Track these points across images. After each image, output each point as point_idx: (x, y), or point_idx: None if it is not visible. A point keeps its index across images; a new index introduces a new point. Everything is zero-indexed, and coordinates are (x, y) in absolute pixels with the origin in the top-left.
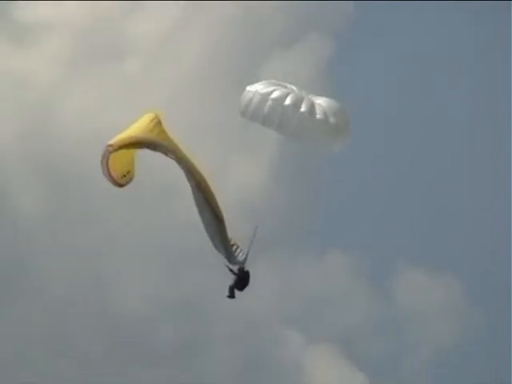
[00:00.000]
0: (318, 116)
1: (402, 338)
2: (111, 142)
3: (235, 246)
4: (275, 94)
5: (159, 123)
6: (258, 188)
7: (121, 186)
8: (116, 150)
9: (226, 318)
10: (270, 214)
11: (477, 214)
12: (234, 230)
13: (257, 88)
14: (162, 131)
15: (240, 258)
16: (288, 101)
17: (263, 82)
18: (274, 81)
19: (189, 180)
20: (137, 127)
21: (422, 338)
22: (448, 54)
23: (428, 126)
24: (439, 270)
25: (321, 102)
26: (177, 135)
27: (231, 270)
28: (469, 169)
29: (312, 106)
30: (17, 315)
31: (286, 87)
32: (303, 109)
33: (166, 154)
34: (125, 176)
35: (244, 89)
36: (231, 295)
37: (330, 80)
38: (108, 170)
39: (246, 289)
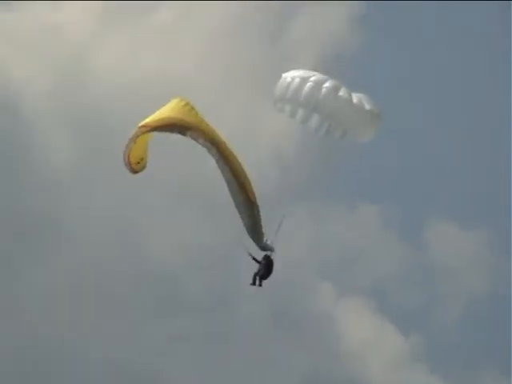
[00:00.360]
0: (355, 101)
1: (433, 290)
2: (144, 123)
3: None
4: (315, 77)
5: (193, 108)
6: (289, 140)
7: (135, 172)
8: (149, 131)
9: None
10: (302, 167)
11: (508, 169)
12: (267, 179)
13: (294, 74)
14: (197, 115)
15: (270, 244)
16: (328, 83)
17: (297, 70)
18: (306, 70)
19: (221, 165)
20: (170, 109)
21: (453, 290)
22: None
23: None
24: (471, 223)
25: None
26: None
27: (254, 258)
28: (497, 128)
29: (349, 93)
30: (51, 263)
31: (321, 74)
32: (342, 93)
33: (197, 141)
34: (139, 163)
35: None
36: (254, 283)
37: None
38: (129, 153)
39: (280, 240)
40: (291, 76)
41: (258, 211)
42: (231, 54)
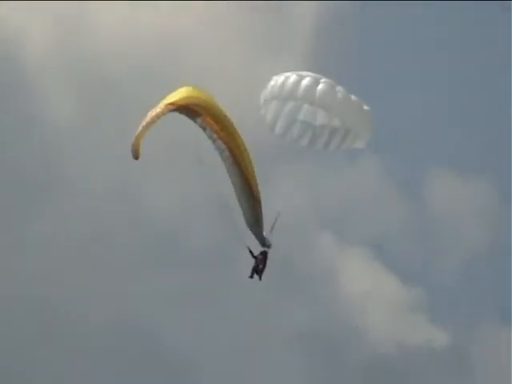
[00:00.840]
0: (353, 97)
1: (434, 242)
2: (171, 101)
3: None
4: (312, 74)
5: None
6: None
7: (136, 157)
8: (175, 110)
9: None
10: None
11: (509, 119)
12: (267, 135)
13: (286, 74)
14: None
15: (269, 241)
16: (324, 80)
17: (287, 72)
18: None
19: (227, 156)
20: (191, 91)
21: (454, 242)
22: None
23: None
24: (472, 174)
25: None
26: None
27: (250, 252)
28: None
29: (345, 91)
30: (51, 213)
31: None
32: (339, 89)
33: (205, 130)
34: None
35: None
36: (253, 276)
37: None
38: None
39: (281, 194)
40: (285, 75)
41: (261, 208)
42: (232, 13)
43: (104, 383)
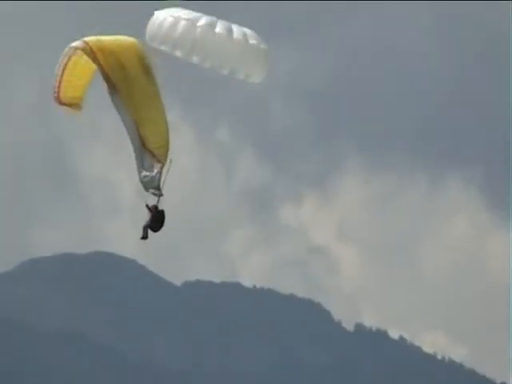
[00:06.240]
0: (235, 36)
1: None
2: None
3: (156, 171)
4: (188, 16)
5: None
6: None
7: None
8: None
9: None
10: None
11: None
12: None
13: (168, 12)
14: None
15: (143, 176)
16: (202, 21)
17: (174, 8)
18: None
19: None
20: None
21: None
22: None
23: None
24: None
25: (237, 26)
26: None
27: (149, 208)
28: None
29: (229, 28)
30: None
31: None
32: (219, 29)
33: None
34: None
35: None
36: (144, 236)
37: None
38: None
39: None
40: (163, 15)
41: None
42: None
43: None
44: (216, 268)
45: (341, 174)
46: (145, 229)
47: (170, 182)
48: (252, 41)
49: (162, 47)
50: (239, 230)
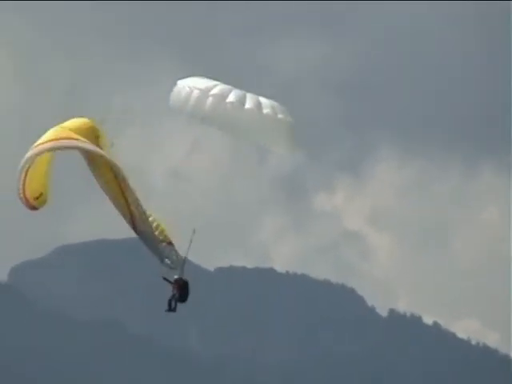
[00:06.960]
0: (265, 111)
1: None
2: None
3: (165, 245)
4: (216, 90)
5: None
6: None
7: (34, 207)
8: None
9: None
10: None
11: None
12: None
13: (192, 83)
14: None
15: (171, 262)
16: (231, 97)
17: (194, 77)
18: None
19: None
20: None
21: None
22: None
23: None
24: None
25: (264, 99)
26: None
27: (167, 280)
28: None
29: (258, 102)
30: None
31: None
32: (248, 105)
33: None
34: (37, 198)
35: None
36: (170, 309)
37: None
38: (24, 186)
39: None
40: (189, 85)
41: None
42: None
43: None
44: (249, 254)
45: (374, 160)
46: (172, 302)
47: (203, 168)
48: (280, 115)
49: (190, 118)
50: (272, 217)
